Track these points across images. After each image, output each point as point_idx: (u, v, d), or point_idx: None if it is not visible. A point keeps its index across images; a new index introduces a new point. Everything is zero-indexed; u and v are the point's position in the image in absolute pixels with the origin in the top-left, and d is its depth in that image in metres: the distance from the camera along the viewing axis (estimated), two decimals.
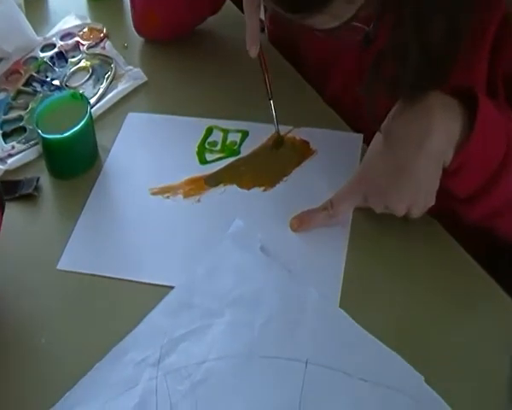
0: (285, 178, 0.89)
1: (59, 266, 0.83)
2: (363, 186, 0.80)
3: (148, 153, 0.96)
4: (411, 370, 0.68)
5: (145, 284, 0.80)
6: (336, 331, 0.72)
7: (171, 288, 0.78)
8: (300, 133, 0.94)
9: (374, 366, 0.69)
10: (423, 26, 0.69)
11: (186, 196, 0.89)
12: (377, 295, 0.77)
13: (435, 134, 0.73)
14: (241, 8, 1.10)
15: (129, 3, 1.10)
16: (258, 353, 0.70)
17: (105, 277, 0.82)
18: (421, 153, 0.74)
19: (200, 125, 0.97)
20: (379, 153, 0.79)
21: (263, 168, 0.91)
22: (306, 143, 0.93)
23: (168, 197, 0.89)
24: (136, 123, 1.00)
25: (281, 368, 0.69)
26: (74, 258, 0.84)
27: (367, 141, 0.89)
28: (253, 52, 0.88)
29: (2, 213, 0.77)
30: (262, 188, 0.89)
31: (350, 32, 0.74)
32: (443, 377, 0.69)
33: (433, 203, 0.78)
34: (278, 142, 0.93)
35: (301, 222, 0.83)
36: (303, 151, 0.92)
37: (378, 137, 0.80)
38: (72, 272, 0.83)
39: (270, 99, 0.92)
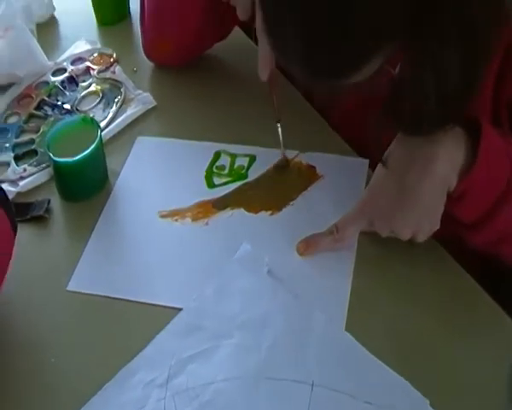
0: (292, 203, 0.91)
1: (69, 288, 0.85)
2: (368, 210, 0.82)
3: (157, 176, 0.98)
4: (417, 393, 0.69)
5: (153, 305, 0.81)
6: (342, 354, 0.73)
7: (180, 309, 0.80)
8: (307, 158, 0.95)
9: (379, 389, 0.70)
10: (440, 69, 0.69)
11: (194, 219, 0.91)
12: (382, 318, 0.78)
13: (439, 160, 0.75)
14: (248, 33, 1.13)
15: (139, 29, 1.12)
16: (264, 374, 0.71)
17: (114, 298, 0.83)
18: (426, 177, 0.75)
19: (208, 149, 0.99)
20: (384, 177, 0.80)
21: (270, 192, 0.92)
22: (313, 167, 0.94)
23: (177, 220, 0.91)
24: (146, 147, 1.02)
25: (287, 390, 0.70)
26: (84, 279, 0.85)
27: (373, 166, 0.90)
28: (264, 75, 0.89)
29: (15, 235, 0.78)
30: (269, 212, 0.90)
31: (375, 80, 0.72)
32: (447, 401, 0.70)
33: (437, 228, 0.79)
34: (283, 165, 0.95)
35: (307, 246, 0.84)
36: (309, 176, 0.94)
37: (384, 160, 0.81)
38: (81, 293, 0.84)
39: (277, 122, 0.94)
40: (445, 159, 0.75)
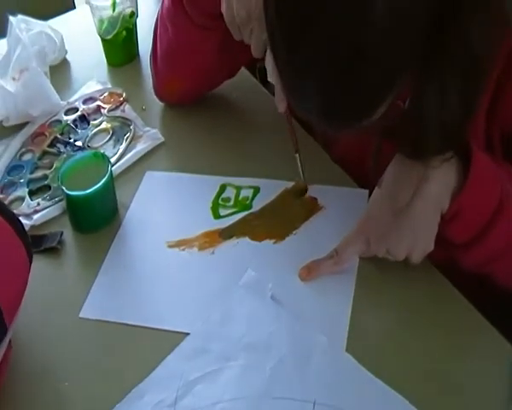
0: (295, 232, 0.94)
1: (81, 315, 0.88)
2: (365, 232, 0.85)
3: (165, 209, 1.02)
4: None
5: (162, 330, 0.85)
6: (342, 374, 0.76)
7: (187, 334, 0.83)
8: (309, 190, 0.99)
9: (379, 408, 0.73)
10: (445, 99, 0.71)
11: (201, 248, 0.94)
12: (381, 339, 0.81)
13: (432, 182, 0.78)
14: (252, 72, 1.17)
15: (147, 69, 1.17)
16: (269, 394, 0.74)
17: (124, 324, 0.86)
18: (419, 198, 0.79)
19: (214, 182, 1.03)
20: (380, 200, 0.84)
21: (274, 222, 0.96)
22: (314, 199, 0.98)
23: (184, 250, 0.95)
24: (154, 181, 1.06)
25: (290, 409, 0.73)
26: (95, 307, 0.89)
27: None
28: (282, 107, 0.93)
29: (30, 265, 0.82)
30: (273, 240, 0.94)
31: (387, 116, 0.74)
32: None
33: (431, 249, 0.82)
34: (302, 190, 0.98)
35: (309, 271, 0.88)
36: (311, 207, 0.97)
37: (379, 185, 0.85)
38: (93, 320, 0.87)
39: (296, 152, 0.98)
40: (438, 181, 0.78)
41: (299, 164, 0.98)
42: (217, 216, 0.99)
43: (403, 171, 0.81)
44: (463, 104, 0.72)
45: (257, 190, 1.01)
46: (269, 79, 0.91)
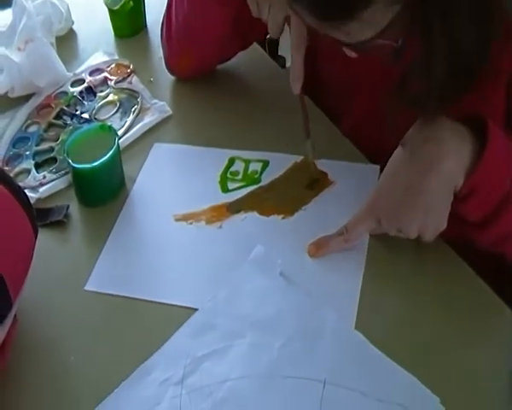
0: (304, 207, 0.93)
1: (86, 287, 0.87)
2: (376, 209, 0.83)
3: (173, 182, 1.00)
4: (427, 391, 0.71)
5: (168, 305, 0.84)
6: (353, 353, 0.75)
7: (194, 309, 0.82)
8: (319, 165, 0.97)
9: (389, 387, 0.71)
10: (452, 36, 0.70)
11: (208, 222, 0.93)
12: (391, 318, 0.80)
13: (446, 158, 0.76)
14: (261, 44, 1.15)
15: (155, 41, 1.15)
16: (277, 373, 0.73)
17: (130, 298, 0.85)
18: (432, 176, 0.77)
19: (222, 155, 1.01)
20: (391, 177, 0.82)
21: (283, 197, 0.94)
22: (325, 174, 0.96)
23: (191, 223, 0.93)
24: (162, 153, 1.04)
25: (299, 388, 0.72)
26: (101, 279, 0.88)
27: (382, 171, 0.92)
28: (297, 88, 0.91)
29: (36, 238, 0.81)
30: (281, 215, 0.92)
31: (379, 48, 0.74)
32: (457, 398, 0.71)
33: (444, 227, 0.80)
34: (314, 181, 0.96)
35: (318, 247, 0.86)
36: (321, 182, 0.96)
37: (391, 162, 0.82)
38: (98, 293, 0.86)
39: (308, 137, 0.96)
40: (452, 158, 0.76)
41: (311, 150, 0.96)
42: (225, 190, 0.97)
43: (415, 149, 0.79)
44: (473, 42, 0.71)
45: (266, 163, 1.00)
46: (288, 65, 0.89)
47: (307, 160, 0.98)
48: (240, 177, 0.98)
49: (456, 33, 0.70)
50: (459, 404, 0.71)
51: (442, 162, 0.76)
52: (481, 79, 0.76)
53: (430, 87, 0.74)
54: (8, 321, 0.75)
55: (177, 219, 0.94)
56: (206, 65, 1.12)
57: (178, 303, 0.83)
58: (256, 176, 0.98)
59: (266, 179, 0.97)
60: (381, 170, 0.92)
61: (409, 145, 0.80)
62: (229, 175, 0.99)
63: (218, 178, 0.99)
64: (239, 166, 1.00)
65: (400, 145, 0.81)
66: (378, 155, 0.94)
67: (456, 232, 0.81)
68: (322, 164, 0.98)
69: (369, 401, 0.70)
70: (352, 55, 0.81)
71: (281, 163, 0.99)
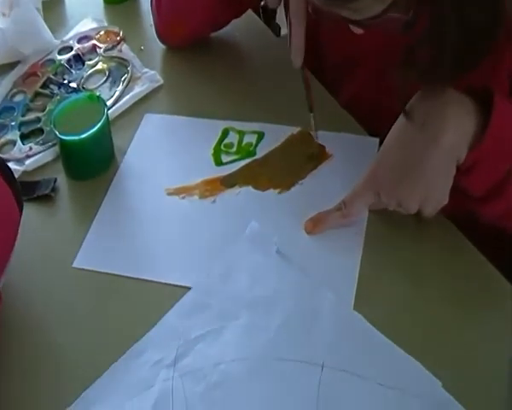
0: (301, 181, 0.89)
1: (74, 265, 0.84)
2: (375, 182, 0.80)
3: (164, 154, 0.97)
4: (428, 375, 0.68)
5: (160, 283, 0.80)
6: (352, 335, 0.72)
7: (187, 288, 0.79)
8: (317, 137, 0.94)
9: (390, 370, 0.69)
10: (463, 6, 0.67)
11: (202, 196, 0.89)
12: (391, 297, 0.77)
13: (449, 130, 0.73)
14: (257, 12, 1.11)
15: (145, 8, 1.11)
16: (273, 355, 0.70)
17: (120, 276, 0.82)
18: (435, 147, 0.74)
19: (216, 126, 0.98)
20: (391, 150, 0.79)
21: (279, 170, 0.91)
22: (322, 146, 0.93)
23: (184, 198, 0.90)
24: (153, 124, 1.00)
25: (297, 371, 0.69)
26: (90, 256, 0.85)
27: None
28: (298, 62, 0.87)
29: (21, 214, 0.78)
30: (277, 190, 0.89)
31: (388, 21, 0.71)
32: (459, 381, 0.69)
33: (445, 202, 0.77)
34: (318, 156, 0.92)
35: (315, 224, 0.83)
36: (319, 155, 0.92)
37: (392, 133, 0.79)
38: (87, 270, 0.83)
39: (310, 112, 0.92)
40: (455, 129, 0.73)
41: (313, 125, 0.92)
42: (218, 163, 0.94)
43: (417, 119, 0.75)
44: (488, 11, 0.68)
45: (261, 135, 0.96)
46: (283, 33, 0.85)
47: (304, 132, 0.94)
48: (234, 149, 0.95)
49: (467, 4, 0.67)
50: (460, 387, 0.68)
51: (445, 134, 0.73)
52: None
53: (443, 55, 0.70)
54: None
55: (169, 193, 0.90)
56: (198, 33, 1.08)
57: (170, 281, 0.80)
58: (251, 148, 0.94)
59: (261, 152, 0.94)
60: (381, 143, 0.89)
61: (411, 116, 0.76)
62: (222, 147, 0.95)
63: (212, 151, 0.95)
64: (233, 138, 0.96)
65: (402, 115, 0.78)
66: (376, 128, 0.92)
67: (458, 207, 0.78)
68: (320, 136, 0.94)
69: (369, 386, 0.68)
70: (359, 31, 0.77)
71: (277, 135, 0.95)
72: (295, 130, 0.95)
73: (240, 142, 0.95)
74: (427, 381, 0.68)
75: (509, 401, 0.68)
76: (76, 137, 0.89)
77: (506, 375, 0.70)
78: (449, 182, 0.76)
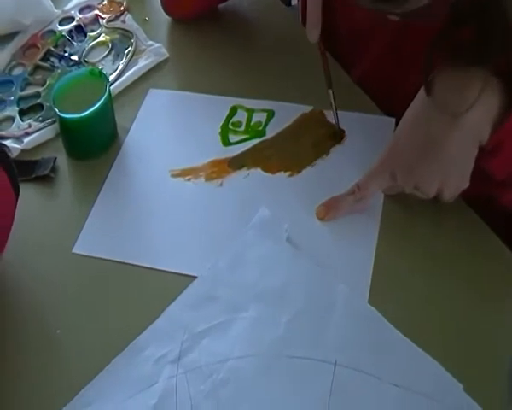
0: (312, 164, 0.85)
1: (74, 250, 0.80)
2: (391, 163, 0.76)
3: (169, 132, 0.92)
4: (449, 377, 0.64)
5: (164, 271, 0.77)
6: (367, 331, 0.68)
7: (191, 277, 0.75)
8: (329, 116, 0.89)
9: (407, 371, 0.65)
10: None
11: (208, 178, 0.85)
12: (407, 288, 0.73)
13: (471, 110, 0.69)
14: None
15: None
16: (283, 352, 0.67)
17: (122, 262, 0.78)
18: (456, 127, 0.70)
19: (224, 103, 0.93)
20: (409, 129, 0.75)
21: (289, 152, 0.87)
22: (336, 126, 0.88)
23: (189, 180, 0.86)
24: (158, 100, 0.96)
25: (308, 369, 0.66)
26: (91, 242, 0.81)
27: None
28: (314, 36, 0.83)
29: (17, 197, 0.74)
30: (288, 173, 0.84)
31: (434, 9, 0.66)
32: (481, 383, 0.65)
33: (466, 186, 0.74)
34: (336, 134, 0.87)
35: (328, 210, 0.79)
36: (332, 136, 0.88)
37: (410, 110, 0.75)
38: (88, 256, 0.80)
39: (329, 88, 0.87)
40: (478, 109, 0.69)
41: (333, 103, 0.87)
42: (226, 143, 0.89)
43: (438, 96, 0.71)
44: None
45: (271, 114, 0.91)
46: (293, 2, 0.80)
47: (317, 111, 0.90)
48: (242, 128, 0.90)
49: None
50: (484, 390, 0.64)
51: (466, 115, 0.69)
52: None
53: (492, 37, 0.65)
54: None
55: (173, 175, 0.86)
56: (206, 5, 1.03)
57: (174, 270, 0.77)
58: (260, 128, 0.90)
59: (271, 132, 0.89)
60: (397, 123, 0.85)
61: (431, 93, 0.71)
62: (230, 126, 0.91)
63: (219, 130, 0.90)
64: (242, 117, 0.91)
65: (421, 92, 0.73)
66: (390, 106, 0.88)
67: (479, 191, 0.74)
68: (332, 115, 0.89)
69: (384, 387, 0.64)
70: (395, 18, 0.72)
71: (287, 114, 0.90)
72: (307, 109, 0.90)
73: (248, 120, 0.91)
74: (448, 384, 0.64)
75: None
76: (77, 116, 0.85)
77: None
78: (470, 164, 0.72)
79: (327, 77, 0.87)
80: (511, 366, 0.66)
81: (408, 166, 0.74)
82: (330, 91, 0.87)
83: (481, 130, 0.70)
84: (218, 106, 0.93)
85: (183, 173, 0.86)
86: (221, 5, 1.05)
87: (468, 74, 0.69)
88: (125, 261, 0.78)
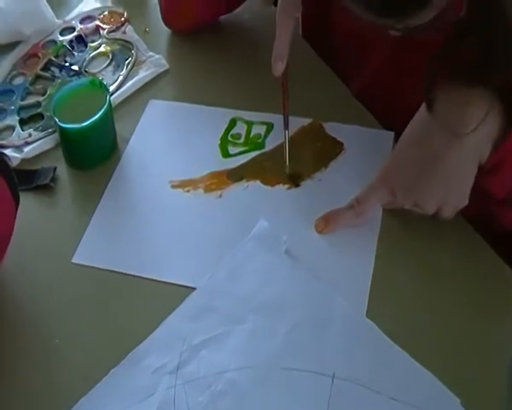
0: (312, 176, 0.85)
1: (74, 260, 0.81)
2: (391, 178, 0.76)
3: (169, 143, 0.93)
4: (447, 392, 0.64)
5: (163, 282, 0.77)
6: (365, 345, 0.69)
7: (189, 288, 0.75)
8: (329, 129, 0.89)
9: (404, 385, 0.65)
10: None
11: (207, 190, 0.86)
12: (405, 302, 0.73)
13: (472, 128, 0.69)
14: None
15: None
16: (281, 364, 0.67)
17: (121, 273, 0.79)
18: (456, 146, 0.70)
19: (223, 116, 0.93)
20: (409, 146, 0.75)
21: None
22: (335, 139, 0.88)
23: (188, 191, 0.86)
24: (158, 111, 0.96)
25: (306, 382, 0.66)
26: (90, 252, 0.81)
27: (397, 138, 0.85)
28: (279, 70, 0.83)
29: (17, 206, 0.74)
30: (287, 186, 0.85)
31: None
32: (479, 398, 0.65)
33: (465, 203, 0.74)
34: (295, 178, 0.86)
35: (327, 223, 0.79)
36: (332, 148, 0.88)
37: (409, 127, 0.75)
38: (87, 266, 0.80)
39: (286, 128, 0.86)
40: (479, 128, 0.69)
41: (286, 144, 0.86)
42: (225, 154, 0.90)
43: (440, 113, 0.71)
44: None
45: (270, 126, 0.92)
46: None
47: (316, 124, 0.90)
48: (242, 140, 0.90)
49: None
50: (481, 405, 0.65)
51: (468, 131, 0.69)
52: None
53: (485, 55, 0.66)
54: None
55: (173, 186, 0.87)
56: (205, 18, 1.03)
57: (173, 281, 0.77)
58: (259, 140, 0.90)
59: (270, 144, 0.89)
60: (396, 137, 0.86)
61: (433, 110, 0.72)
62: (230, 138, 0.91)
63: (219, 141, 0.91)
64: (241, 129, 0.92)
65: (421, 109, 0.74)
66: (389, 121, 0.88)
67: (478, 210, 0.75)
68: (332, 128, 0.90)
69: (382, 400, 0.64)
70: (396, 33, 0.72)
71: None
72: (306, 122, 0.91)
73: (248, 133, 0.91)
74: (445, 399, 0.64)
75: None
76: (77, 126, 0.85)
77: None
78: (470, 182, 0.72)
79: (285, 115, 0.86)
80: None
81: (407, 183, 0.74)
82: (286, 132, 0.86)
83: (482, 149, 0.70)
84: (217, 118, 0.93)
85: (183, 185, 0.87)
86: (222, 17, 1.06)
87: (472, 93, 0.70)
88: (125, 272, 0.79)
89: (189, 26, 1.04)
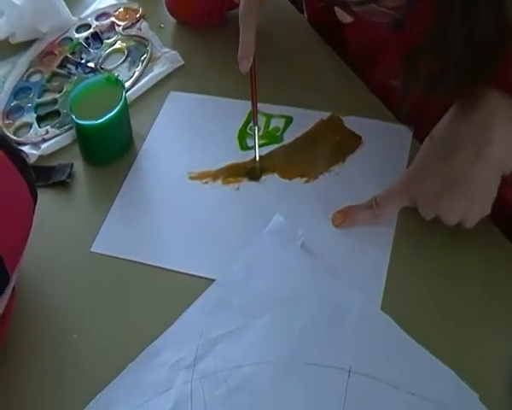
0: (329, 170, 0.85)
1: (92, 249, 0.81)
2: (412, 190, 0.75)
3: (187, 135, 0.93)
4: (464, 386, 0.63)
5: (181, 273, 0.77)
6: (381, 339, 0.68)
7: (206, 279, 0.75)
8: (347, 122, 0.89)
9: (422, 379, 0.64)
10: (470, 15, 0.64)
11: (225, 182, 0.86)
12: (421, 297, 0.73)
13: (495, 142, 0.68)
14: None
15: None
16: (297, 359, 0.67)
17: (139, 263, 0.79)
18: (480, 162, 0.69)
19: (242, 108, 0.92)
20: (432, 157, 0.74)
21: (306, 158, 0.86)
22: (353, 133, 0.88)
23: (207, 183, 0.86)
24: (177, 103, 0.96)
25: (322, 376, 0.65)
26: (108, 241, 0.82)
27: (416, 133, 0.84)
28: (244, 67, 0.82)
29: (35, 203, 0.74)
30: (304, 179, 0.84)
31: (378, 15, 0.68)
32: (498, 393, 0.64)
33: (488, 213, 0.73)
34: (256, 171, 0.86)
35: (345, 217, 0.79)
36: (350, 142, 0.87)
37: (432, 139, 0.74)
38: (105, 259, 0.80)
39: (255, 125, 0.85)
40: (501, 142, 0.68)
41: (256, 140, 0.86)
42: (243, 147, 0.89)
43: (460, 132, 0.71)
44: (494, 18, 0.64)
45: (289, 120, 0.91)
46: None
47: (334, 117, 0.89)
48: (260, 133, 0.90)
49: (474, 13, 0.64)
50: (500, 400, 0.64)
51: (491, 146, 0.68)
52: None
53: (446, 68, 0.67)
54: (6, 296, 0.69)
55: (191, 178, 0.87)
56: (208, 8, 1.02)
57: (190, 272, 0.77)
58: (278, 134, 0.90)
59: (289, 138, 0.89)
60: (414, 133, 0.85)
61: (452, 124, 0.72)
62: (248, 130, 0.91)
63: (237, 134, 0.91)
64: (259, 122, 0.90)
65: (442, 122, 0.73)
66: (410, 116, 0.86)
67: (500, 215, 0.74)
68: (351, 121, 0.89)
69: (399, 395, 0.63)
70: (347, 19, 0.73)
71: (305, 120, 0.90)
72: (325, 115, 0.90)
73: (266, 126, 0.91)
74: (463, 393, 0.63)
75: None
76: (93, 123, 0.85)
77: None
78: (493, 195, 0.71)
79: (253, 111, 0.85)
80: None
81: (430, 198, 0.73)
82: (255, 128, 0.85)
83: (505, 162, 0.69)
84: (236, 110, 0.93)
85: (201, 176, 0.87)
86: (235, 10, 1.05)
87: (485, 104, 0.69)
88: (143, 262, 0.79)
89: (192, 16, 1.04)
